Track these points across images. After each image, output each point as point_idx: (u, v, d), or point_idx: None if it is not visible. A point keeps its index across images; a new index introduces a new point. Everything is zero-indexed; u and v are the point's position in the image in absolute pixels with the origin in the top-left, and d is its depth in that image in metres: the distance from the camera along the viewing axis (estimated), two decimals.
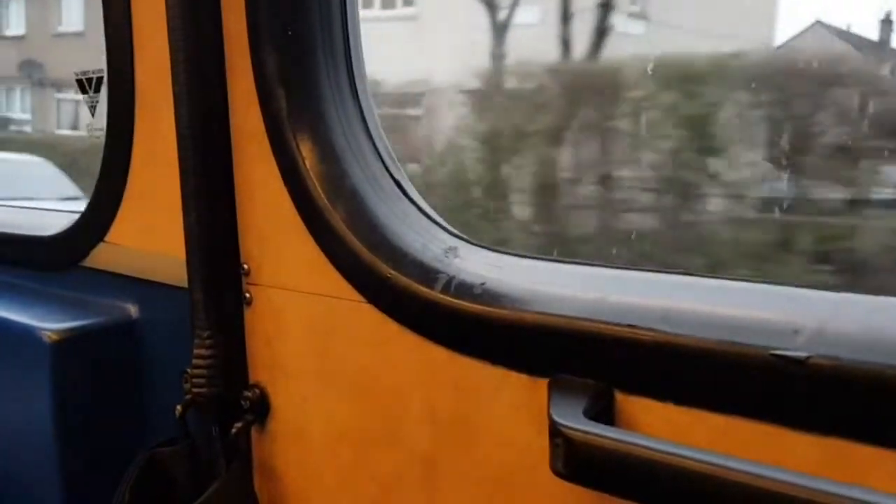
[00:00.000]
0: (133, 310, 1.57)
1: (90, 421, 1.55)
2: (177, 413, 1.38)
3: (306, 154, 1.26)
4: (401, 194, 1.30)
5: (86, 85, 1.64)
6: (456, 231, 1.26)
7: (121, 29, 1.46)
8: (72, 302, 1.63)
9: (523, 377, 1.07)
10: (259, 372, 1.38)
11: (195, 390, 1.35)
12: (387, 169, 1.31)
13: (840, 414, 0.84)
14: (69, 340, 1.52)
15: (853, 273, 4.06)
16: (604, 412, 0.99)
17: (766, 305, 0.93)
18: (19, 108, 15.22)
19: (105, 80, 1.57)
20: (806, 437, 0.86)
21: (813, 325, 0.87)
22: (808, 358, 0.84)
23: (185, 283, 1.37)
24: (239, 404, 1.38)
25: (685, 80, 4.97)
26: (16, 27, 15.30)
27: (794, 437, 0.87)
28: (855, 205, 4.47)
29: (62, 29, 14.10)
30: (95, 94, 1.64)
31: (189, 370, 1.36)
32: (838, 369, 0.83)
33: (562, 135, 5.67)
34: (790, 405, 0.87)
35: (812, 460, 0.86)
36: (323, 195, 1.25)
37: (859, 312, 0.89)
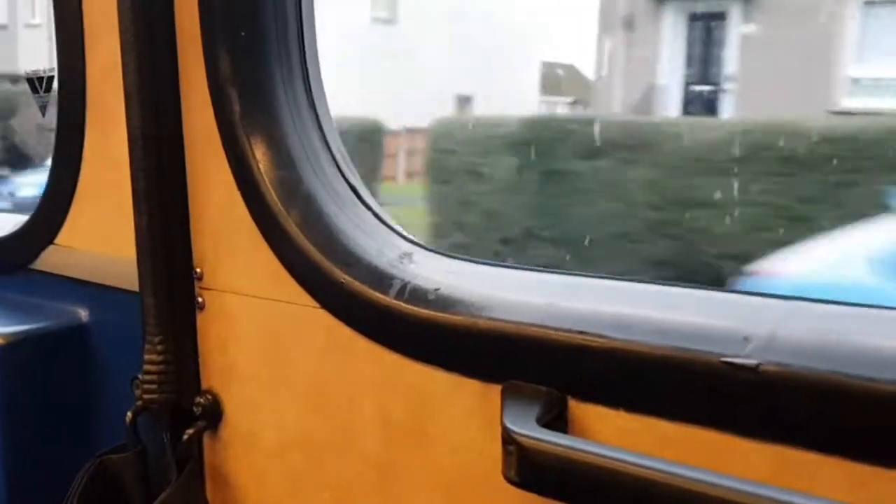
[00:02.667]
0: (83, 314, 1.54)
1: (38, 426, 1.52)
2: (127, 420, 1.36)
3: (260, 157, 1.25)
4: (356, 200, 1.29)
5: (35, 83, 1.60)
6: (411, 237, 1.25)
7: (72, 27, 1.43)
8: (20, 306, 1.60)
9: (476, 383, 1.07)
10: (211, 378, 1.37)
11: (146, 396, 1.33)
12: (342, 174, 1.30)
13: (790, 421, 0.85)
14: (17, 344, 1.48)
15: None
16: (557, 419, 0.99)
17: (717, 313, 0.94)
18: None
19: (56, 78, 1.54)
20: (756, 445, 0.87)
21: (763, 332, 0.87)
22: (758, 365, 0.85)
23: (136, 287, 1.35)
24: (191, 410, 1.36)
25: None
26: None
27: (745, 445, 0.88)
28: None
29: None
30: (46, 94, 1.61)
31: (140, 376, 1.34)
32: (788, 376, 0.84)
33: None
34: (740, 412, 0.88)
35: (762, 468, 0.86)
36: (277, 200, 1.24)
37: (809, 320, 0.90)
